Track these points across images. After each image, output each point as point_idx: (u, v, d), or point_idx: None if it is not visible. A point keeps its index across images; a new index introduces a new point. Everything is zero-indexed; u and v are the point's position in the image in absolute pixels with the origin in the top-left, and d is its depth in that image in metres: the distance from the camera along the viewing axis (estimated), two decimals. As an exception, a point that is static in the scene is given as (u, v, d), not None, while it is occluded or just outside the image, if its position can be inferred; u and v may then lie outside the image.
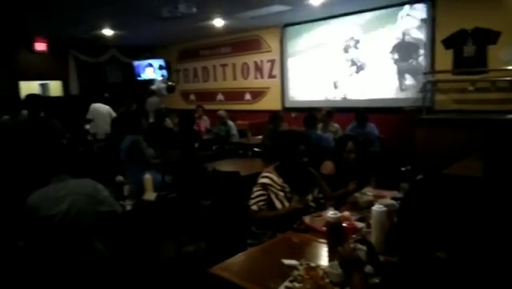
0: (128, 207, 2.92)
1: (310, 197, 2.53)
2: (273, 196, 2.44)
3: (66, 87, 9.46)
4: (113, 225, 2.55)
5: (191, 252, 2.79)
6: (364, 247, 1.63)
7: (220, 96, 9.66)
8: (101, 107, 7.34)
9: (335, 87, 7.52)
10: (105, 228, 2.48)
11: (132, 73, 10.39)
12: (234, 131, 7.16)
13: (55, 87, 9.45)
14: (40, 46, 8.85)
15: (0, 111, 5.89)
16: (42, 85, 9.02)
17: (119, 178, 3.17)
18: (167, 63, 10.33)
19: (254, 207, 2.45)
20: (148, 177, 3.20)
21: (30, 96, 4.68)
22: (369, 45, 6.96)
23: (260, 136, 6.06)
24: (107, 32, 7.89)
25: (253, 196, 2.48)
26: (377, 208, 1.91)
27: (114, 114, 7.25)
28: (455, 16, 5.87)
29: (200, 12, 5.25)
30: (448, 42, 5.99)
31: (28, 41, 8.66)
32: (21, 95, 8.19)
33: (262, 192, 2.46)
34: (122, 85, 10.26)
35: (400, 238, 1.37)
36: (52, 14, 6.32)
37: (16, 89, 8.60)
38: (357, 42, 7.12)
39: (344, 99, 7.37)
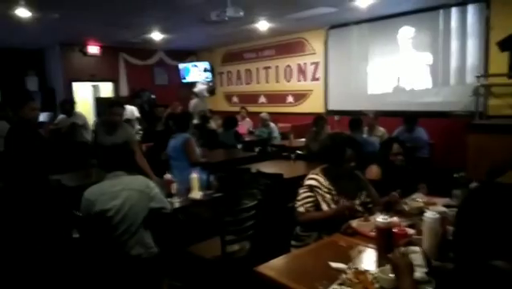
0: (176, 204, 3.02)
1: (357, 201, 2.50)
2: (320, 198, 2.43)
3: (116, 88, 9.93)
4: (162, 221, 2.64)
5: (235, 251, 2.82)
6: (418, 251, 1.59)
7: (262, 99, 9.73)
8: (128, 108, 7.71)
9: (382, 90, 7.34)
10: (155, 224, 2.58)
11: (178, 75, 10.72)
12: (276, 133, 7.19)
13: (106, 89, 9.94)
14: (93, 50, 9.36)
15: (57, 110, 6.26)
16: (93, 86, 9.52)
17: (168, 176, 3.28)
18: (211, 65, 10.56)
19: (301, 208, 2.44)
20: (194, 176, 3.29)
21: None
22: (418, 47, 6.74)
23: (302, 139, 6.04)
24: (156, 36, 8.20)
25: (299, 197, 2.48)
26: (430, 215, 1.85)
27: (137, 114, 7.51)
28: (511, 17, 5.55)
29: (246, 15, 5.33)
30: (503, 44, 5.64)
31: (82, 44, 9.19)
32: (74, 96, 8.70)
33: (309, 193, 2.45)
34: (168, 87, 10.61)
35: (456, 246, 1.32)
36: (105, 19, 6.67)
37: (70, 90, 9.14)
38: (405, 43, 6.92)
39: (391, 102, 7.17)
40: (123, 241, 2.42)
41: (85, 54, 9.32)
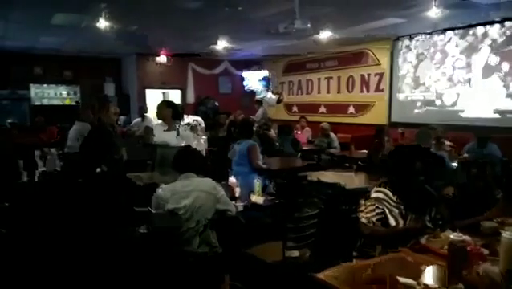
0: (240, 208, 3.12)
1: (427, 217, 2.41)
2: (387, 211, 2.36)
3: (183, 95, 10.45)
4: (227, 222, 2.75)
5: (296, 257, 2.85)
6: (496, 271, 1.51)
7: (322, 108, 9.68)
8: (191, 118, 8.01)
9: (449, 103, 6.98)
10: (220, 225, 2.69)
11: (241, 84, 11.02)
12: (336, 143, 7.12)
13: (174, 96, 10.49)
14: (164, 59, 9.97)
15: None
16: (163, 93, 10.11)
17: (232, 180, 3.41)
18: (272, 75, 10.72)
19: (364, 220, 2.37)
20: (257, 181, 3.38)
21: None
22: (491, 58, 6.33)
23: (363, 150, 5.93)
24: (223, 47, 8.53)
25: (363, 208, 2.41)
26: (509, 234, 1.75)
27: (203, 125, 7.75)
28: None
29: (312, 26, 5.39)
30: None
31: (155, 54, 9.82)
32: (146, 101, 9.31)
33: (375, 206, 2.37)
34: (231, 95, 10.95)
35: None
36: (178, 32, 7.09)
37: (143, 96, 9.79)
38: (476, 55, 6.53)
39: (460, 117, 6.79)
40: (191, 238, 2.56)
41: (157, 63, 9.95)
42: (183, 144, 3.47)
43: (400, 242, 2.23)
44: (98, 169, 3.23)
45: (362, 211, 2.41)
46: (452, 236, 1.78)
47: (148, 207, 2.75)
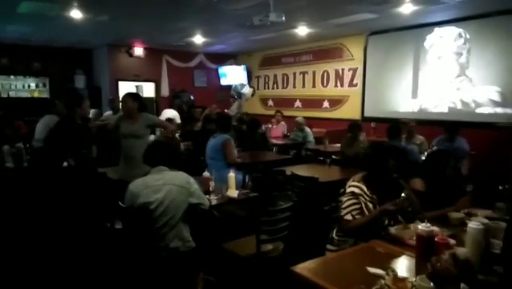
0: (214, 202, 3.10)
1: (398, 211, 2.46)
2: (363, 205, 2.40)
3: (157, 88, 10.27)
4: (200, 217, 2.72)
5: (269, 251, 2.86)
6: (460, 259, 1.55)
7: (298, 103, 9.74)
8: (169, 111, 7.96)
9: (420, 97, 7.17)
10: (193, 219, 2.66)
11: (216, 78, 10.93)
12: (311, 138, 7.18)
13: (148, 89, 10.31)
14: (138, 51, 9.75)
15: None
16: (137, 86, 9.91)
17: (206, 174, 3.38)
18: (248, 69, 10.70)
19: (348, 216, 2.39)
20: (231, 174, 3.36)
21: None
22: (461, 54, 6.53)
23: (337, 144, 6.02)
24: (198, 39, 8.43)
25: (344, 205, 2.43)
26: (474, 225, 1.81)
27: (179, 120, 7.73)
28: None
29: (286, 20, 5.39)
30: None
31: (128, 46, 9.59)
32: (119, 94, 9.09)
33: (354, 200, 2.41)
34: (206, 89, 10.85)
35: (506, 260, 1.29)
36: (152, 23, 6.94)
37: (115, 88, 9.56)
38: (447, 51, 6.72)
39: (430, 111, 6.98)
40: (163, 233, 2.51)
41: (130, 55, 9.73)
42: (151, 138, 3.41)
43: (370, 233, 2.27)
44: (65, 163, 3.12)
45: (344, 208, 2.43)
46: (420, 227, 1.82)
47: (119, 202, 2.70)
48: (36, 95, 9.71)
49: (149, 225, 2.50)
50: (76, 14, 6.10)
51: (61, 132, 3.27)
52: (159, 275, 2.53)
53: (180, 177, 2.62)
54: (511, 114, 5.86)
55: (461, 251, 1.69)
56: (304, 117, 7.71)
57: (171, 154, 2.72)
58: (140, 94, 10.22)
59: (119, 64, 9.69)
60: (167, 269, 2.51)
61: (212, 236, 2.96)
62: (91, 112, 7.71)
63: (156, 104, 10.08)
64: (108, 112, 6.45)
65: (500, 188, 2.68)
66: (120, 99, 7.27)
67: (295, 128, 7.34)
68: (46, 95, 9.66)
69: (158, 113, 8.22)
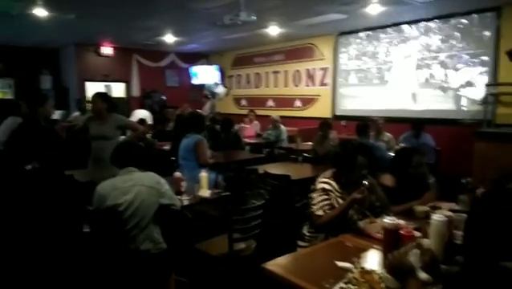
0: (185, 202, 3.07)
1: (366, 205, 2.52)
2: (334, 201, 2.45)
3: (128, 89, 10.07)
4: (171, 217, 2.69)
5: (242, 249, 2.86)
6: (417, 252, 1.60)
7: (270, 102, 9.80)
8: (141, 112, 7.86)
9: (388, 96, 7.37)
10: (164, 220, 2.63)
11: (188, 78, 10.83)
12: (284, 136, 7.26)
13: (118, 89, 10.08)
14: (107, 50, 9.52)
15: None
16: (106, 86, 9.67)
17: (178, 174, 3.34)
18: (221, 69, 10.66)
19: (320, 212, 2.42)
20: (204, 174, 3.34)
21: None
22: (426, 54, 6.76)
23: (309, 143, 6.09)
24: (169, 38, 8.33)
25: (315, 201, 2.46)
26: (438, 217, 1.88)
27: (150, 121, 7.69)
28: (523, 26, 5.57)
29: (258, 20, 5.42)
30: (513, 54, 5.67)
31: (96, 45, 9.35)
32: (87, 95, 8.85)
33: (325, 196, 2.45)
34: (178, 89, 10.73)
35: (467, 249, 1.35)
36: (120, 21, 6.80)
37: (83, 89, 9.30)
38: (413, 51, 6.94)
39: (397, 109, 7.19)
40: (133, 235, 2.47)
41: (99, 54, 9.49)
42: (121, 138, 3.34)
43: (340, 228, 2.32)
44: (29, 166, 3.01)
45: (314, 204, 2.46)
46: (386, 220, 1.87)
47: (87, 205, 2.63)
48: (0, 96, 9.31)
49: (118, 228, 2.45)
50: (41, 12, 5.90)
51: (23, 134, 3.15)
52: (129, 278, 2.48)
53: (150, 178, 2.58)
54: (474, 111, 6.10)
55: (425, 242, 1.75)
56: (277, 116, 7.78)
57: (140, 155, 2.67)
58: (110, 94, 10.04)
59: (87, 64, 9.43)
60: (138, 272, 2.47)
61: (184, 237, 2.93)
62: (58, 114, 7.49)
63: (126, 105, 9.88)
64: (76, 113, 6.28)
65: (462, 181, 2.78)
66: (89, 99, 7.12)
67: (271, 126, 7.41)
68: (11, 96, 9.28)
69: (129, 114, 8.06)
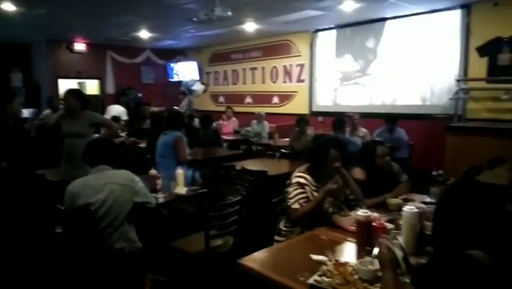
0: (161, 200, 3.03)
1: (341, 198, 2.55)
2: (309, 195, 2.46)
3: (102, 86, 9.84)
4: (146, 216, 2.66)
5: (219, 246, 2.85)
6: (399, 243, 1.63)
7: (248, 99, 9.79)
8: (115, 108, 7.73)
9: (363, 92, 7.49)
10: (139, 218, 2.59)
11: (165, 74, 10.68)
12: (267, 130, 7.38)
13: (92, 86, 9.85)
14: (80, 47, 9.28)
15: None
16: (79, 84, 9.43)
17: (153, 172, 3.29)
18: (198, 65, 10.57)
19: (296, 205, 2.43)
20: (180, 171, 3.30)
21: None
22: (401, 51, 6.89)
23: (287, 139, 6.13)
24: (144, 34, 8.18)
25: (291, 195, 2.47)
26: (409, 209, 1.92)
27: (125, 117, 7.59)
28: (491, 24, 5.76)
29: (234, 16, 5.39)
30: (482, 50, 5.86)
31: (69, 41, 9.09)
32: (60, 93, 8.61)
33: (300, 190, 2.46)
34: (155, 86, 10.57)
35: (435, 238, 1.38)
36: (92, 17, 6.63)
37: (56, 86, 9.03)
38: (387, 47, 7.06)
39: (373, 105, 7.31)
40: (107, 234, 2.42)
41: (72, 51, 9.24)
42: (95, 136, 3.28)
43: (315, 221, 2.34)
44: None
45: (290, 198, 2.47)
46: (359, 213, 1.90)
47: (58, 204, 2.56)
48: (-34, 94, 8.93)
49: (91, 227, 2.40)
50: (8, 6, 5.69)
51: None
52: (104, 278, 2.43)
53: (124, 176, 2.53)
54: (445, 106, 6.27)
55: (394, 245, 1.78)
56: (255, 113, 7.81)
57: (112, 152, 2.61)
58: (84, 91, 9.80)
59: (59, 61, 9.16)
60: (112, 271, 2.43)
61: (160, 235, 2.90)
62: (29, 112, 7.27)
63: (101, 102, 9.66)
64: (47, 111, 6.09)
65: (434, 174, 2.85)
66: (62, 97, 6.93)
67: (254, 121, 7.50)
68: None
69: (103, 111, 7.89)
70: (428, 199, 2.70)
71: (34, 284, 2.99)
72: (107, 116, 7.41)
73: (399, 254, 1.55)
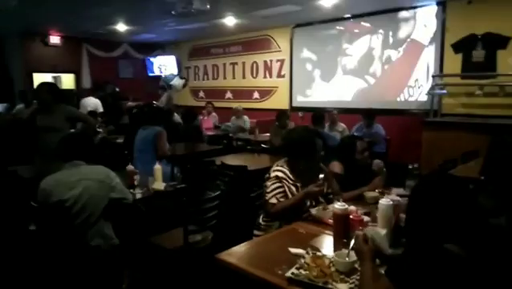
0: (138, 195, 2.99)
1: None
2: (287, 189, 2.46)
3: (78, 80, 9.60)
4: (123, 212, 2.61)
5: (198, 241, 2.83)
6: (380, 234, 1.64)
7: (229, 94, 9.74)
8: (90, 100, 7.61)
9: (342, 88, 7.56)
10: (115, 215, 2.54)
11: (144, 69, 10.51)
12: (248, 124, 7.49)
13: (68, 80, 9.60)
14: (54, 40, 9.00)
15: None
16: (54, 78, 9.17)
17: (130, 167, 3.24)
18: (178, 60, 10.44)
19: (273, 200, 2.42)
20: (158, 166, 3.26)
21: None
22: (378, 47, 6.99)
23: (267, 134, 6.14)
24: (121, 27, 8.01)
25: (269, 189, 2.46)
26: (384, 201, 1.95)
27: (101, 109, 7.45)
28: (465, 21, 5.89)
29: (212, 9, 5.33)
30: (457, 47, 6.00)
31: (43, 34, 8.81)
32: (34, 87, 8.34)
33: (278, 184, 2.45)
34: (133, 80, 10.38)
35: (408, 230, 1.40)
36: (67, 9, 6.43)
37: (30, 80, 8.76)
38: (366, 43, 7.15)
39: (351, 100, 7.40)
40: (82, 231, 2.37)
41: (46, 44, 8.96)
42: (71, 130, 3.20)
43: (294, 215, 2.35)
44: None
45: (269, 192, 2.46)
46: (336, 206, 1.92)
47: (31, 201, 2.48)
48: None
49: (66, 224, 2.34)
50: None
51: None
52: (80, 276, 2.38)
53: (99, 171, 2.47)
54: (421, 102, 6.40)
55: (369, 229, 1.81)
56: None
57: (87, 147, 2.55)
58: (59, 86, 9.54)
59: (33, 54, 8.87)
60: (89, 269, 2.38)
61: (137, 231, 2.85)
62: (1, 106, 7.03)
63: (76, 97, 9.41)
64: (20, 106, 5.89)
65: (410, 167, 2.90)
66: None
67: (233, 117, 7.43)
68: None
69: (78, 105, 7.69)
70: (404, 192, 2.75)
71: (7, 282, 2.91)
72: (83, 109, 7.25)
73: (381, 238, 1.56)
